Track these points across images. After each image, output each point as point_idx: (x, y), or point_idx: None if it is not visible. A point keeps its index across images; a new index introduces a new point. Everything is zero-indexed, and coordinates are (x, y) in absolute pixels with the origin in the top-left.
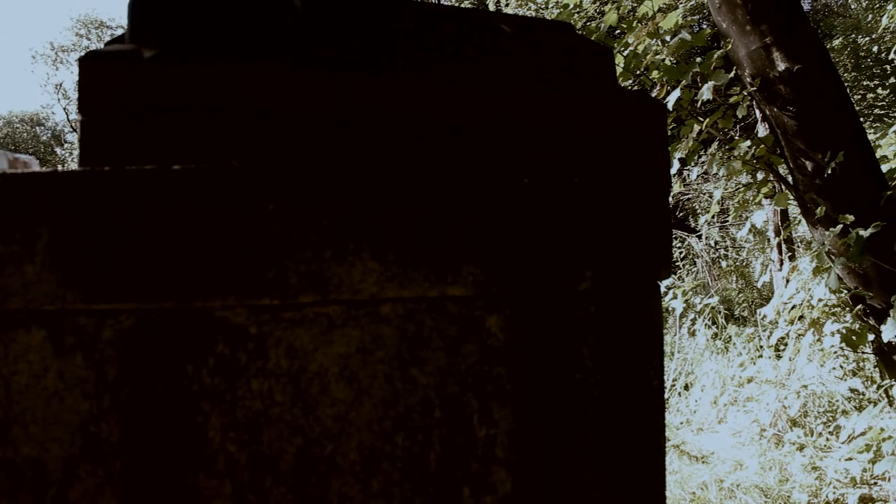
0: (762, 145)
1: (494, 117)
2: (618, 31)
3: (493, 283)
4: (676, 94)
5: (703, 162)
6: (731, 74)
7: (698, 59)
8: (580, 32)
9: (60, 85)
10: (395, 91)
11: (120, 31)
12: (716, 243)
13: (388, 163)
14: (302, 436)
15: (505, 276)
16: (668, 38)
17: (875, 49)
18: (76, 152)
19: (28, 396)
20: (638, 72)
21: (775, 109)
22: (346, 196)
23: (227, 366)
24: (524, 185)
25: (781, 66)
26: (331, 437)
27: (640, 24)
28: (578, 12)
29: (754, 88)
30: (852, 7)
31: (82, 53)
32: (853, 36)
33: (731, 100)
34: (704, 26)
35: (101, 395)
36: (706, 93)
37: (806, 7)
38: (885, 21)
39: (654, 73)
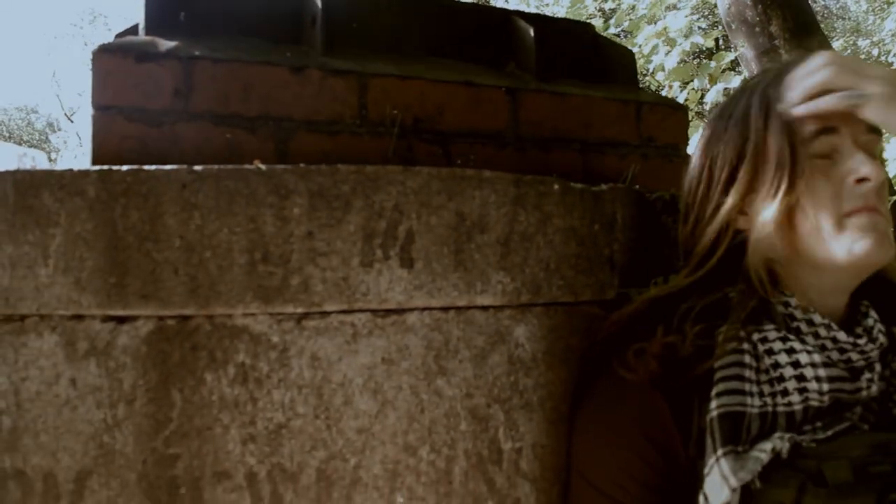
0: None
1: (515, 122)
2: (619, 32)
3: (521, 293)
4: (683, 95)
5: None
6: (741, 77)
7: (708, 63)
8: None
9: (54, 73)
10: (424, 89)
11: (119, 22)
12: None
13: (417, 166)
14: (324, 449)
15: (534, 285)
16: (675, 38)
17: (875, 52)
18: (69, 140)
19: (39, 404)
20: (645, 73)
21: None
22: (375, 200)
23: (248, 376)
24: (553, 192)
25: None
26: (354, 451)
27: (646, 25)
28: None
29: None
30: (851, 10)
31: (84, 43)
32: (854, 38)
33: None
34: (704, 26)
35: (115, 404)
36: (715, 94)
37: None
38: (889, 24)
39: (661, 74)
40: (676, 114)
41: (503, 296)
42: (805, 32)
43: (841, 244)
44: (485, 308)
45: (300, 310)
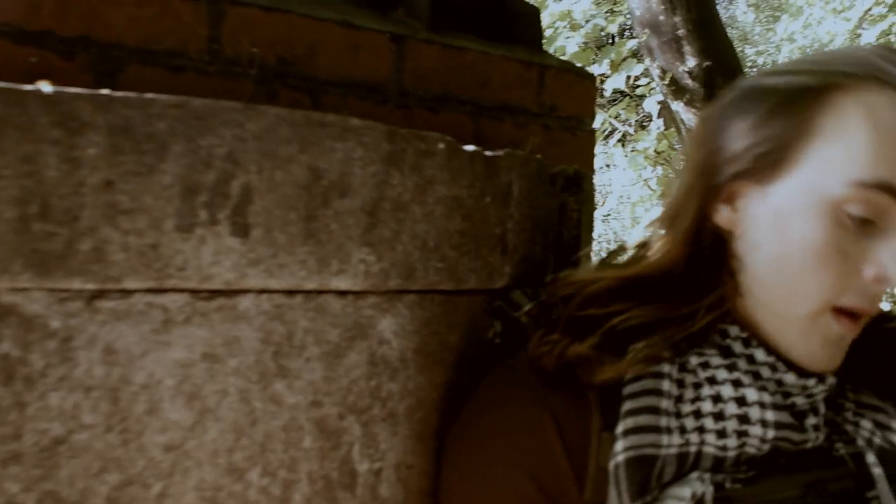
0: (664, 140)
1: (399, 74)
2: None
3: (390, 276)
4: None
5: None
6: (643, 65)
7: (609, 46)
8: None
9: None
10: (293, 25)
11: None
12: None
13: (262, 105)
14: (119, 471)
15: (407, 267)
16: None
17: (761, 61)
18: None
19: None
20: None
21: (682, 104)
22: (202, 145)
23: (15, 372)
24: (436, 152)
25: (691, 62)
26: (159, 474)
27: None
28: None
29: (664, 81)
30: (740, 19)
31: None
32: (741, 46)
33: (638, 91)
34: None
35: None
36: (617, 81)
37: None
38: (779, 33)
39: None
40: (584, 83)
41: (366, 278)
42: (708, 25)
43: (802, 340)
44: (342, 293)
45: (91, 286)
